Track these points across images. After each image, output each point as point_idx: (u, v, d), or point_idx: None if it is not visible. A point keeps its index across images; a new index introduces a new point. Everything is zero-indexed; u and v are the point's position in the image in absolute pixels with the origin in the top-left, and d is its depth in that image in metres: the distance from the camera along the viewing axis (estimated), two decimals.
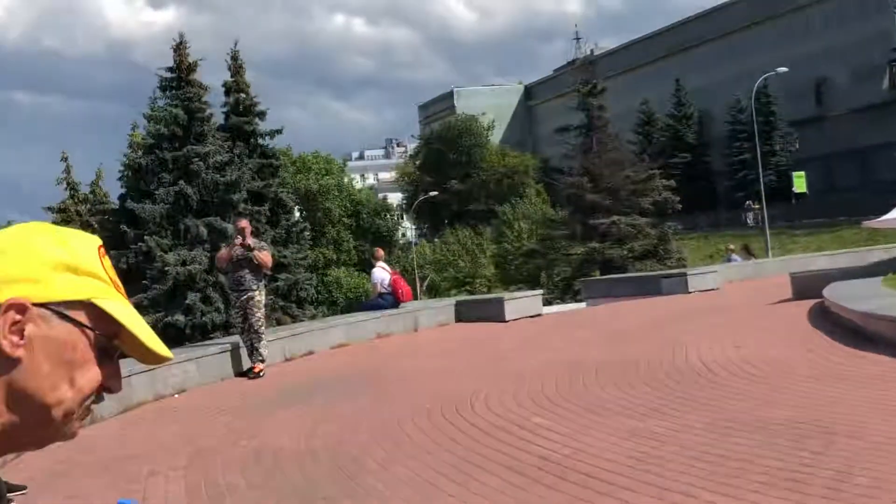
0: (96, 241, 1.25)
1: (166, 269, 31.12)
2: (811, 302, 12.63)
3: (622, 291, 20.97)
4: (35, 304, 1.14)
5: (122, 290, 1.25)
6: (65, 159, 43.01)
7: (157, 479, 6.65)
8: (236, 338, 12.24)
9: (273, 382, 11.10)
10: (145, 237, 31.85)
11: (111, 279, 1.22)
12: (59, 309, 1.15)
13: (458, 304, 17.11)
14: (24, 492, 6.47)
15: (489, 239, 67.98)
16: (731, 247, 29.22)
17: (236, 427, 8.46)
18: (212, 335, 30.05)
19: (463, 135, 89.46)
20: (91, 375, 1.17)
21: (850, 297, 10.98)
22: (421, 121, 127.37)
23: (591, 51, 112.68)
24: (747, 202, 66.98)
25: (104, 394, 1.22)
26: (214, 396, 10.45)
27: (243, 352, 11.89)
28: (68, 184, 42.69)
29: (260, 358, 11.68)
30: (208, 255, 30.83)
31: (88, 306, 1.17)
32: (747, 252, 27.45)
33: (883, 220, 43.28)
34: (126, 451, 7.79)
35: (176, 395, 10.59)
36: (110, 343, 1.19)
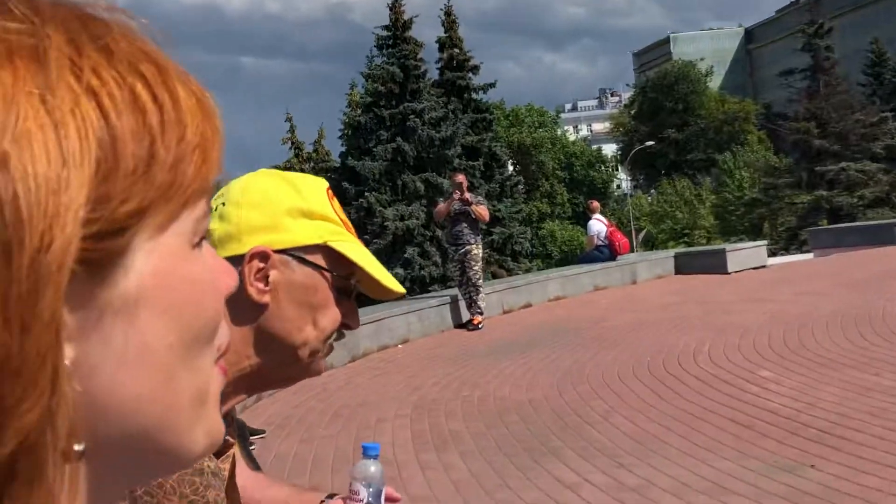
0: (324, 183, 1.31)
1: (385, 224, 32.02)
2: None
3: (853, 241, 19.89)
4: (276, 252, 1.20)
5: (352, 229, 1.31)
6: (289, 120, 44.86)
7: (385, 426, 6.90)
8: (455, 290, 12.47)
9: (492, 334, 11.25)
10: (365, 193, 32.85)
11: (342, 220, 1.28)
12: (299, 254, 1.22)
13: (678, 256, 16.74)
14: (263, 435, 6.88)
15: (708, 189, 66.02)
16: None
17: (458, 377, 8.64)
18: (430, 288, 30.78)
19: (679, 82, 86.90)
20: (332, 315, 1.24)
21: None
22: (636, 69, 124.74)
23: None
24: None
25: (344, 331, 1.30)
26: (436, 347, 10.71)
27: (462, 304, 12.10)
28: (293, 143, 44.52)
29: (478, 310, 11.85)
30: (425, 210, 31.50)
31: (324, 249, 1.23)
32: None
33: None
34: (355, 398, 8.12)
35: (399, 346, 10.93)
36: (347, 282, 1.25)
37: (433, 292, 22.54)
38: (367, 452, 1.47)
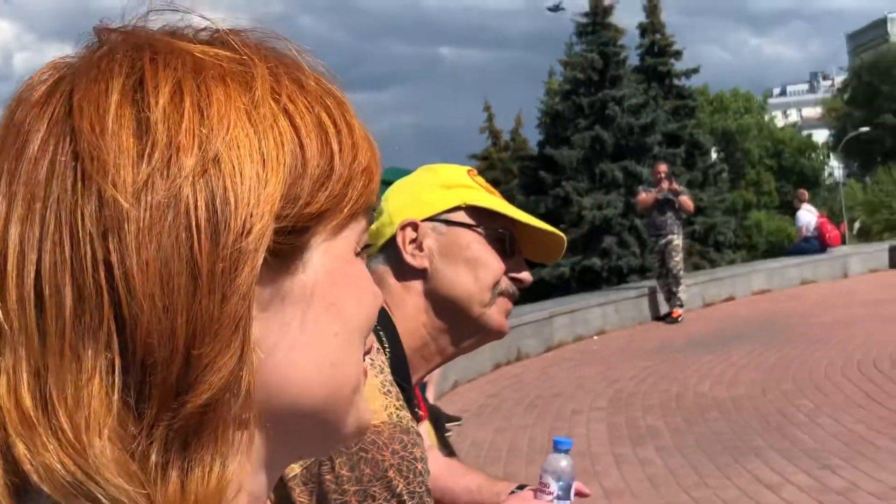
0: (466, 168, 1.43)
1: (583, 213, 31.80)
2: None
3: None
4: (423, 220, 1.33)
5: (501, 197, 1.40)
6: (487, 108, 45.27)
7: (580, 418, 6.88)
8: (653, 282, 12.25)
9: (691, 328, 11.01)
10: (562, 182, 32.72)
11: (485, 187, 1.39)
12: (443, 217, 1.34)
13: (893, 249, 15.84)
14: (459, 423, 6.99)
15: None
16: None
17: (656, 371, 8.51)
18: (627, 278, 30.37)
19: None
20: (492, 267, 1.34)
21: None
22: (850, 51, 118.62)
23: None
24: None
25: (517, 286, 1.39)
26: (632, 340, 10.58)
27: (660, 296, 11.89)
28: (491, 132, 44.89)
29: (678, 303, 11.61)
30: (623, 198, 31.08)
31: (466, 208, 1.34)
32: None
33: None
34: (550, 389, 8.13)
35: (595, 338, 10.85)
36: (497, 233, 1.35)
37: (631, 283, 22.29)
38: (558, 447, 1.48)
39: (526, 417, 7.10)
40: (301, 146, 0.53)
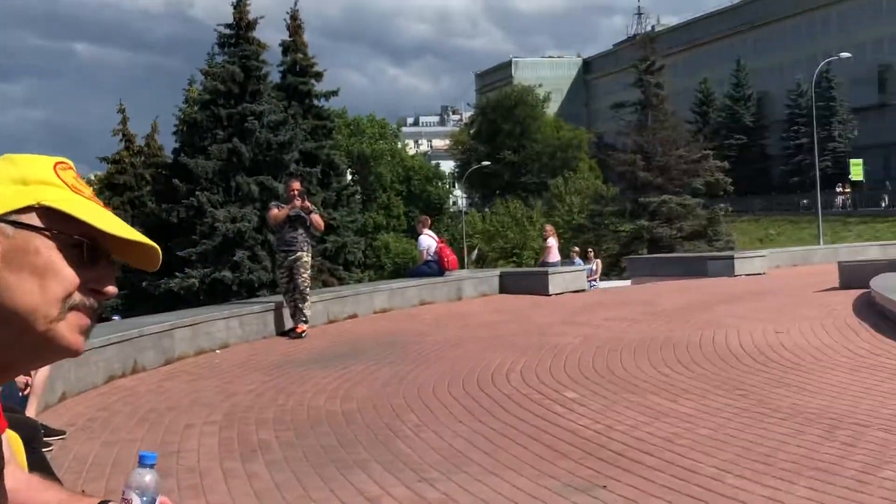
0: (55, 159, 1.26)
1: (216, 225, 31.42)
2: (858, 292, 12.48)
3: (668, 271, 20.85)
4: None
5: (95, 198, 1.26)
6: (122, 111, 43.57)
7: (192, 432, 6.79)
8: (281, 297, 12.37)
9: (314, 343, 11.22)
10: (197, 192, 32.15)
11: (71, 186, 1.23)
12: (11, 218, 1.17)
13: (503, 276, 17.14)
14: (63, 437, 6.64)
15: (539, 211, 67.75)
16: (576, 249, 29.01)
17: (274, 385, 8.59)
18: (258, 293, 30.36)
19: (518, 105, 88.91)
20: (62, 277, 1.18)
21: None
22: (477, 89, 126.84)
23: (653, 27, 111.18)
24: (838, 185, 65.37)
25: (98, 299, 1.23)
26: (255, 354, 10.60)
27: (286, 311, 12.02)
28: (124, 135, 43.21)
29: (303, 318, 11.80)
30: (258, 213, 31.08)
31: (41, 209, 1.18)
32: (585, 255, 27.25)
33: None
34: (165, 402, 7.95)
35: (217, 351, 10.75)
36: (80, 242, 1.20)
37: (261, 297, 22.27)
38: (143, 461, 1.45)
39: (136, 431, 6.89)
40: None
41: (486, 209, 75.13)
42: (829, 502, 4.52)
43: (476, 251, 61.09)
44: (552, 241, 22.21)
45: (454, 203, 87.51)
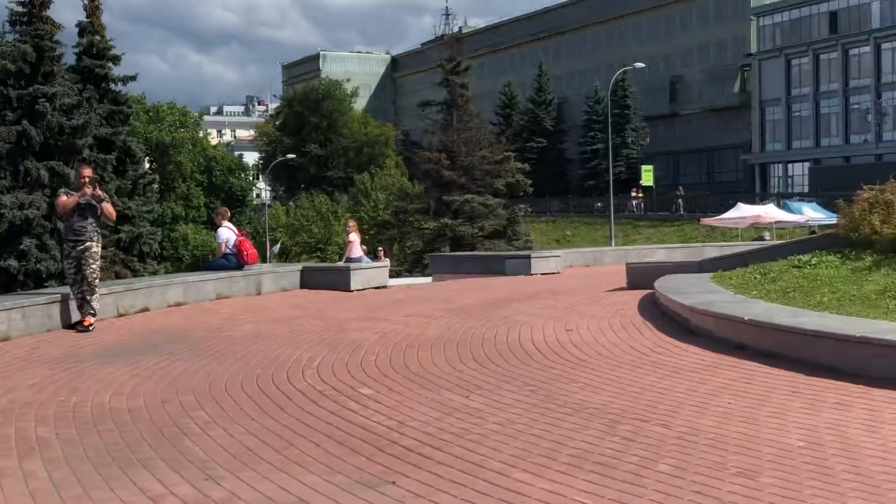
0: None
1: (2, 211, 29.80)
2: (644, 292, 13.09)
3: (468, 268, 21.27)
4: None
5: None
6: None
7: None
8: (67, 288, 11.81)
9: (102, 337, 10.79)
10: None
11: None
12: None
13: (304, 270, 16.99)
14: None
15: (345, 207, 67.73)
16: (381, 248, 30.60)
17: (57, 380, 8.19)
18: (46, 283, 28.97)
19: (326, 99, 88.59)
20: None
21: (678, 290, 11.41)
22: (284, 81, 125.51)
23: (460, 28, 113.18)
24: (633, 189, 68.19)
25: None
26: (39, 347, 10.08)
27: (73, 303, 11.49)
28: None
29: (91, 311, 11.32)
30: (48, 200, 29.67)
31: None
32: (375, 253, 28.69)
33: (720, 219, 45.38)
34: None
35: None
36: None
37: (48, 288, 21.23)
38: None
39: None
40: None
41: (291, 203, 74.44)
42: (607, 495, 4.70)
43: (279, 245, 60.43)
44: (354, 237, 22.33)
45: (258, 196, 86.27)
